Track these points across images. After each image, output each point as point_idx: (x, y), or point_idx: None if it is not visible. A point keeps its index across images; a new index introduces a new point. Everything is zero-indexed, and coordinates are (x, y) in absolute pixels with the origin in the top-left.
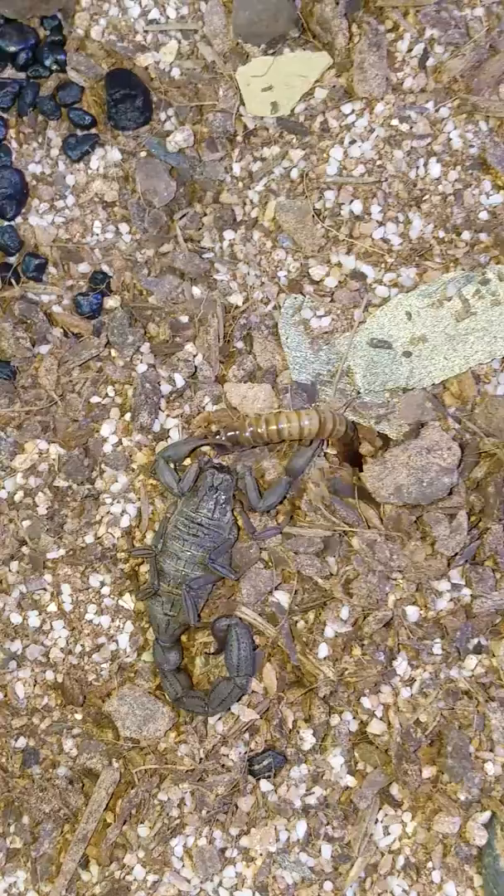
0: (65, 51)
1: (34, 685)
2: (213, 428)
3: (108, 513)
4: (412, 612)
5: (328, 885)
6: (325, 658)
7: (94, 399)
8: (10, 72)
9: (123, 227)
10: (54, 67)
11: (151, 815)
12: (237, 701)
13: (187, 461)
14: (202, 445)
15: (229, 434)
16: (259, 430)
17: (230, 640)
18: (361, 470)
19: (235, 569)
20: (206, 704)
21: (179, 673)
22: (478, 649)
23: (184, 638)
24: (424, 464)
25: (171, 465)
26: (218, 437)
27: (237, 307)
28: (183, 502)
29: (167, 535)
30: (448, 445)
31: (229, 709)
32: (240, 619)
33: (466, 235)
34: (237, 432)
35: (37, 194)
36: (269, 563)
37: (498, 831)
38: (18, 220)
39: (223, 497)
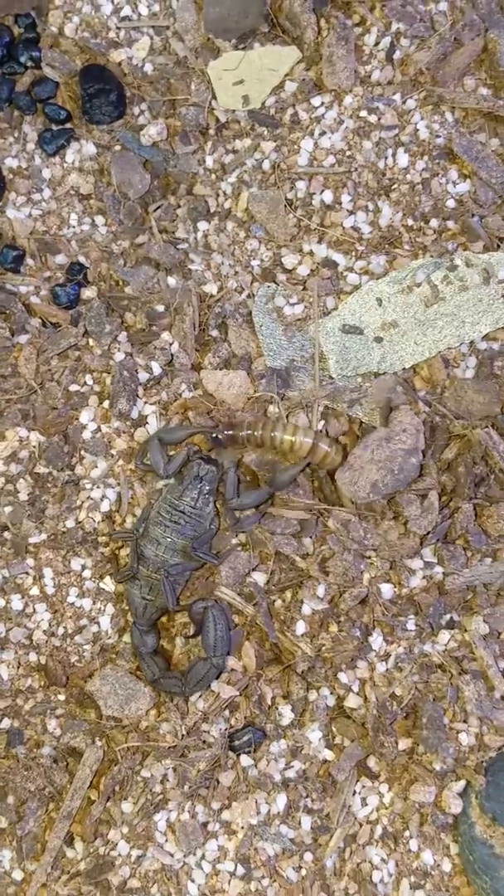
0: (39, 48)
1: (18, 667)
2: (208, 421)
3: (88, 498)
4: (386, 590)
5: (308, 856)
6: (302, 635)
7: (73, 387)
8: None
9: (99, 219)
10: (29, 64)
11: (135, 791)
12: (214, 680)
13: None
14: (198, 434)
15: (227, 432)
16: (255, 433)
17: (207, 622)
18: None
19: (216, 555)
20: (184, 685)
21: (157, 655)
22: (450, 624)
23: (163, 619)
24: (389, 454)
25: (163, 448)
26: (216, 429)
27: (212, 296)
28: (168, 489)
29: (149, 521)
30: (402, 428)
31: (206, 688)
32: (216, 601)
33: (434, 223)
34: (235, 431)
35: (14, 188)
36: (247, 546)
37: (473, 799)
38: None
39: (207, 488)
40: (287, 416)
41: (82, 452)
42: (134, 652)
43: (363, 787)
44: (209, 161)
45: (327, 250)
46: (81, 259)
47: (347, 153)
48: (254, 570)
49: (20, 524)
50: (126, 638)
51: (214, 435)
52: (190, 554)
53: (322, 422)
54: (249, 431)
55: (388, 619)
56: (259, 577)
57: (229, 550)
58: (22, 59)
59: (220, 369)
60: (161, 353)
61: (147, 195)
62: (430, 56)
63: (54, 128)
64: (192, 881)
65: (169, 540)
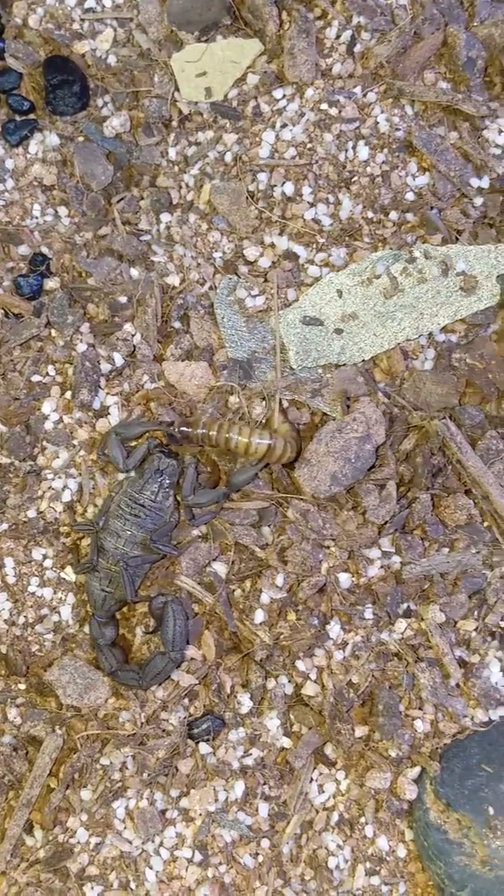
0: (3, 38)
1: None
2: (164, 415)
3: (49, 488)
4: (344, 579)
5: (265, 843)
6: (261, 623)
7: (35, 378)
8: None
9: (62, 211)
10: None
11: (94, 779)
12: (172, 674)
13: (134, 442)
14: (155, 430)
15: (182, 428)
16: (210, 433)
17: (166, 617)
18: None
19: (176, 546)
20: (141, 678)
21: (115, 647)
22: (407, 613)
23: (124, 610)
24: (343, 443)
25: (121, 442)
26: (172, 426)
27: (174, 288)
28: (128, 483)
29: (110, 514)
30: (353, 417)
31: (164, 682)
32: (175, 595)
33: (394, 216)
34: (191, 429)
35: None
36: (208, 537)
37: (427, 786)
38: None
39: (167, 482)
40: (247, 408)
41: (44, 443)
42: (92, 643)
43: (320, 774)
44: (172, 153)
45: (288, 242)
46: (44, 250)
47: (308, 145)
48: (214, 560)
49: None
50: (86, 628)
51: (171, 432)
52: (149, 547)
53: (280, 417)
54: (205, 431)
55: (345, 608)
56: (219, 568)
57: (189, 542)
58: None
59: (182, 360)
60: (123, 344)
61: (110, 187)
62: (391, 49)
63: (17, 118)
64: (150, 868)
65: (129, 533)
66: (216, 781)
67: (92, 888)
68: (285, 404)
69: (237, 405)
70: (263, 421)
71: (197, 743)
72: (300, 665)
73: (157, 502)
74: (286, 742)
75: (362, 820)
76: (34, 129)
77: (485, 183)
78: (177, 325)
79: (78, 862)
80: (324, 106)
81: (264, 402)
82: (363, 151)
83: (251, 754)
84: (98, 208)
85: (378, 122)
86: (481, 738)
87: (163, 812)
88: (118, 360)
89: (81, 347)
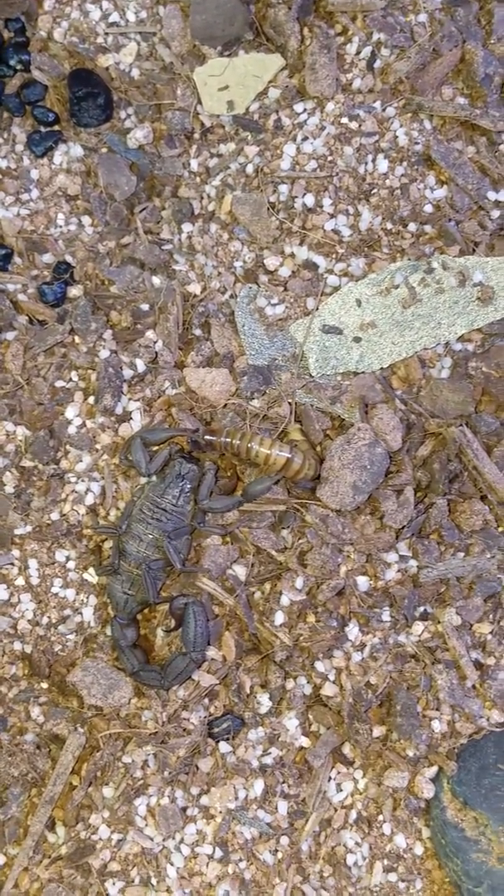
0: (29, 51)
1: (2, 655)
2: (186, 422)
3: (72, 491)
4: (362, 582)
5: (284, 840)
6: (280, 625)
7: (59, 383)
8: None
9: (86, 220)
10: (19, 67)
11: (116, 776)
12: (193, 674)
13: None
14: (178, 436)
15: (207, 437)
16: (233, 442)
17: (187, 618)
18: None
19: (190, 560)
20: (163, 678)
21: (136, 648)
22: (424, 616)
23: (145, 611)
24: (354, 453)
25: (145, 447)
26: (196, 433)
27: (195, 296)
28: (150, 487)
29: (132, 518)
30: (358, 427)
31: (185, 682)
32: (196, 597)
33: (412, 227)
34: (215, 437)
35: (3, 187)
36: (227, 540)
37: (444, 784)
38: None
39: (188, 486)
40: (266, 413)
41: (67, 447)
42: (113, 645)
43: (338, 773)
44: (194, 164)
45: (308, 252)
46: (68, 258)
47: (329, 158)
48: (234, 562)
49: (6, 516)
50: (108, 630)
51: (194, 438)
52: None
53: (297, 425)
54: (227, 440)
55: (363, 611)
56: (239, 570)
57: (209, 548)
58: (12, 63)
59: (203, 367)
60: (145, 350)
61: (133, 197)
62: (410, 65)
63: (43, 130)
64: (171, 864)
65: (151, 537)
66: (236, 780)
67: (114, 884)
68: (312, 415)
69: (257, 411)
70: (280, 431)
71: (217, 742)
72: (319, 666)
73: (179, 506)
74: (305, 741)
75: (380, 818)
76: (59, 141)
77: (501, 196)
78: (198, 332)
79: (100, 858)
80: (344, 120)
81: (284, 406)
82: (382, 164)
83: (270, 753)
84: (121, 218)
85: (397, 136)
86: (497, 739)
87: (183, 809)
88: (140, 366)
89: (104, 354)
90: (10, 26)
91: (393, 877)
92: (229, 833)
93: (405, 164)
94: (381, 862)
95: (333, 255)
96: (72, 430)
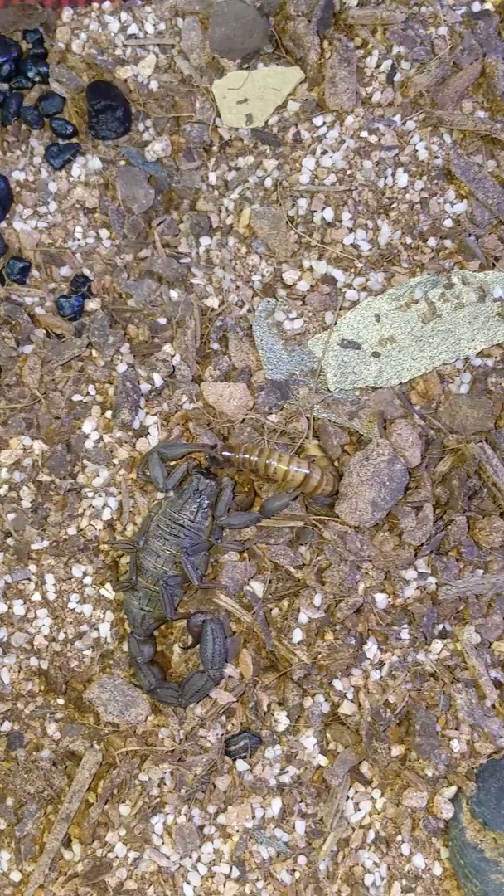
0: (47, 63)
1: (19, 671)
2: (204, 437)
3: (90, 506)
4: (381, 599)
5: (302, 859)
6: (299, 643)
7: (76, 397)
8: None
9: (104, 233)
10: (37, 79)
11: (132, 794)
12: (210, 692)
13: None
14: (197, 451)
15: (224, 452)
16: (251, 458)
17: (205, 636)
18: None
19: (207, 577)
20: (180, 696)
21: (153, 665)
22: (443, 634)
23: (161, 627)
24: (373, 469)
25: (162, 462)
26: (214, 449)
27: (213, 310)
28: (167, 503)
29: (149, 534)
30: (377, 443)
31: (202, 699)
32: (214, 614)
33: (432, 242)
34: (233, 453)
35: (21, 200)
36: (244, 556)
37: (463, 805)
38: (3, 224)
39: (206, 502)
40: (284, 427)
41: (84, 461)
42: (130, 661)
43: (356, 792)
44: (212, 177)
45: (327, 267)
46: (86, 271)
47: (348, 172)
48: (251, 579)
49: (23, 531)
50: (124, 646)
51: (213, 455)
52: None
53: (315, 440)
54: (246, 456)
55: (382, 628)
56: (257, 587)
57: (225, 564)
58: (30, 74)
59: (221, 381)
60: (163, 364)
61: (151, 210)
62: (430, 79)
63: (61, 142)
64: (188, 883)
65: (169, 553)
66: (253, 798)
67: None
68: (329, 430)
69: (274, 426)
70: (298, 446)
71: (234, 760)
72: (337, 684)
73: (197, 522)
74: (322, 760)
75: (398, 838)
76: (77, 153)
77: None
78: (215, 346)
79: (116, 876)
80: (364, 133)
81: (302, 421)
82: (402, 178)
83: (288, 772)
84: (139, 231)
85: (417, 150)
86: None
87: (200, 828)
88: (158, 380)
89: (121, 368)
90: (28, 38)
91: None
92: (246, 852)
93: (425, 178)
94: (400, 882)
95: (352, 270)
96: (89, 444)
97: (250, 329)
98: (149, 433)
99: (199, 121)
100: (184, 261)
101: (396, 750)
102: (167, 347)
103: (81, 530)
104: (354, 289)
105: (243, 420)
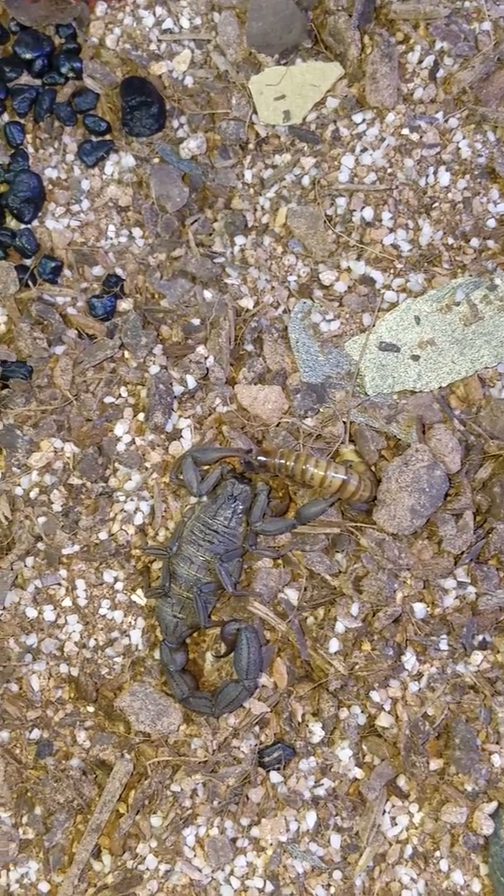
0: (80, 59)
1: (49, 678)
2: (239, 441)
3: (121, 510)
4: (419, 609)
5: (338, 874)
6: (335, 653)
7: (108, 399)
8: (26, 78)
9: (137, 232)
10: (70, 75)
11: (164, 805)
12: (245, 702)
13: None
14: (231, 456)
15: (260, 457)
16: (287, 464)
17: (239, 644)
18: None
19: (241, 584)
20: (213, 706)
21: (185, 673)
22: (483, 645)
23: (194, 635)
24: (413, 476)
25: (196, 466)
26: (249, 454)
27: (248, 311)
28: (201, 508)
29: (182, 539)
30: (416, 448)
31: (236, 710)
32: (248, 622)
33: (475, 242)
34: (268, 458)
35: (53, 198)
36: (279, 563)
37: None
38: (35, 223)
39: (241, 507)
40: (320, 431)
41: (116, 464)
42: (162, 669)
43: (393, 806)
44: (248, 175)
45: (366, 267)
46: (118, 271)
47: (388, 171)
48: (286, 586)
49: (53, 535)
50: (156, 653)
51: (248, 459)
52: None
53: (351, 445)
54: (282, 461)
55: (420, 639)
56: (291, 595)
57: (259, 571)
58: (63, 70)
59: (255, 384)
60: (196, 366)
61: (185, 208)
62: (474, 75)
63: (94, 139)
64: None
65: (202, 559)
66: (287, 811)
67: None
68: (366, 435)
69: (310, 430)
70: (334, 451)
71: (268, 771)
72: (374, 696)
73: (231, 528)
74: (358, 773)
75: (437, 854)
76: (110, 150)
77: None
78: (250, 348)
79: (147, 889)
80: (405, 131)
81: (338, 426)
82: (444, 177)
83: (322, 784)
84: (172, 230)
85: (460, 148)
86: None
87: (233, 840)
88: (191, 382)
89: (154, 369)
90: (61, 32)
91: None
92: (280, 866)
93: (468, 177)
94: None
95: (391, 271)
96: (121, 447)
97: (285, 330)
98: (182, 436)
99: (235, 117)
100: (218, 260)
101: (435, 764)
102: (201, 349)
103: (113, 535)
104: (393, 290)
105: (278, 424)
